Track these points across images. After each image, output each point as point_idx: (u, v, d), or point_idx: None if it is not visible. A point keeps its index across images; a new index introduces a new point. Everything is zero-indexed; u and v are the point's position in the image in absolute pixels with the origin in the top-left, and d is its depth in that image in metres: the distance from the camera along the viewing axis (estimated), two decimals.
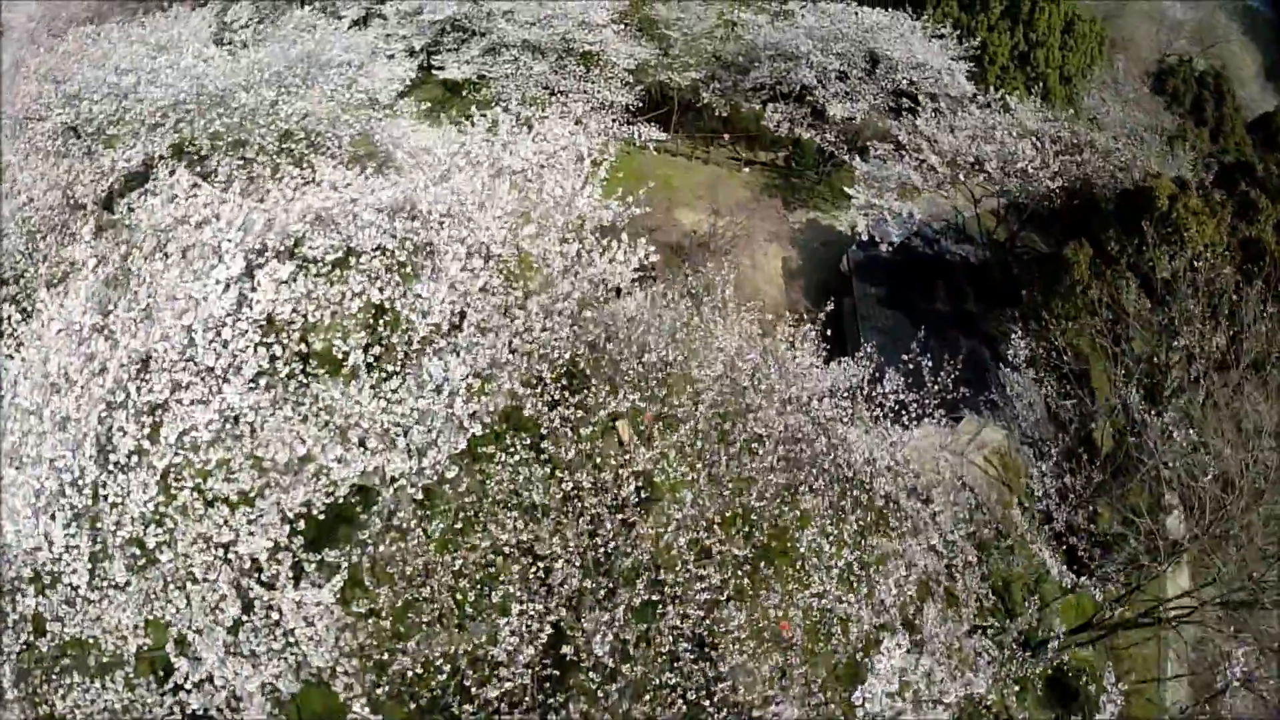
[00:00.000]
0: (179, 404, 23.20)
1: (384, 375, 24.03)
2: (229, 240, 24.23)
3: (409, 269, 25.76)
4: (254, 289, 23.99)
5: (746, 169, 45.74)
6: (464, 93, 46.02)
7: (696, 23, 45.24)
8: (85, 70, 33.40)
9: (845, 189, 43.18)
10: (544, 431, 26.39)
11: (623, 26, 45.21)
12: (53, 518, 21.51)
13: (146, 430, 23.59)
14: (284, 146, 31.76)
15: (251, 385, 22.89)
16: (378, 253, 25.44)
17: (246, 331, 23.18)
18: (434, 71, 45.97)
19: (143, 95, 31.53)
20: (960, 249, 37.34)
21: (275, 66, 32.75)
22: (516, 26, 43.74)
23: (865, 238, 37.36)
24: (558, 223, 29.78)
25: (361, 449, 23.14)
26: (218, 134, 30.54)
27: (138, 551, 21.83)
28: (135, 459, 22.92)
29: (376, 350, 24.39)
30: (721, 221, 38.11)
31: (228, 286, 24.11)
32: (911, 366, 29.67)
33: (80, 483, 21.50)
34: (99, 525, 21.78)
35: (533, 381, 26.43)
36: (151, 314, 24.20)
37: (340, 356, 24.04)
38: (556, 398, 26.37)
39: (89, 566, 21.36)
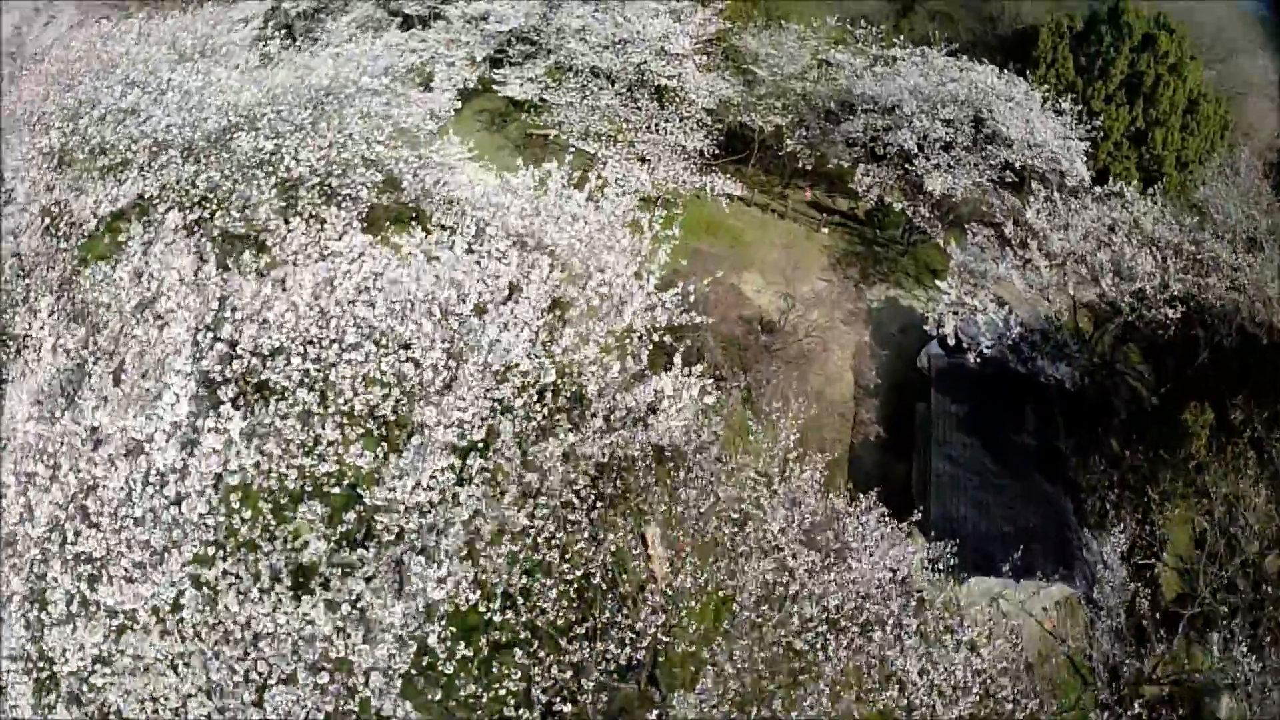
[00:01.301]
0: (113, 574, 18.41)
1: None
2: (179, 367, 18.88)
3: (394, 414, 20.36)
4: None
5: (825, 229, 39.69)
6: (524, 113, 40.20)
7: (788, 61, 39.12)
8: (90, 78, 27.95)
9: (931, 266, 37.29)
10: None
11: (705, 58, 38.92)
12: None
13: (83, 583, 18.86)
14: (290, 199, 26.15)
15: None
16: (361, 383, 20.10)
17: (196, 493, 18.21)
18: (495, 86, 39.98)
19: (145, 117, 26.08)
20: (1056, 369, 31.09)
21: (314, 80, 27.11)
22: (587, 48, 38.06)
23: (952, 341, 31.12)
24: (599, 331, 24.10)
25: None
26: (215, 182, 25.01)
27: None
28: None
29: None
30: (792, 313, 32.02)
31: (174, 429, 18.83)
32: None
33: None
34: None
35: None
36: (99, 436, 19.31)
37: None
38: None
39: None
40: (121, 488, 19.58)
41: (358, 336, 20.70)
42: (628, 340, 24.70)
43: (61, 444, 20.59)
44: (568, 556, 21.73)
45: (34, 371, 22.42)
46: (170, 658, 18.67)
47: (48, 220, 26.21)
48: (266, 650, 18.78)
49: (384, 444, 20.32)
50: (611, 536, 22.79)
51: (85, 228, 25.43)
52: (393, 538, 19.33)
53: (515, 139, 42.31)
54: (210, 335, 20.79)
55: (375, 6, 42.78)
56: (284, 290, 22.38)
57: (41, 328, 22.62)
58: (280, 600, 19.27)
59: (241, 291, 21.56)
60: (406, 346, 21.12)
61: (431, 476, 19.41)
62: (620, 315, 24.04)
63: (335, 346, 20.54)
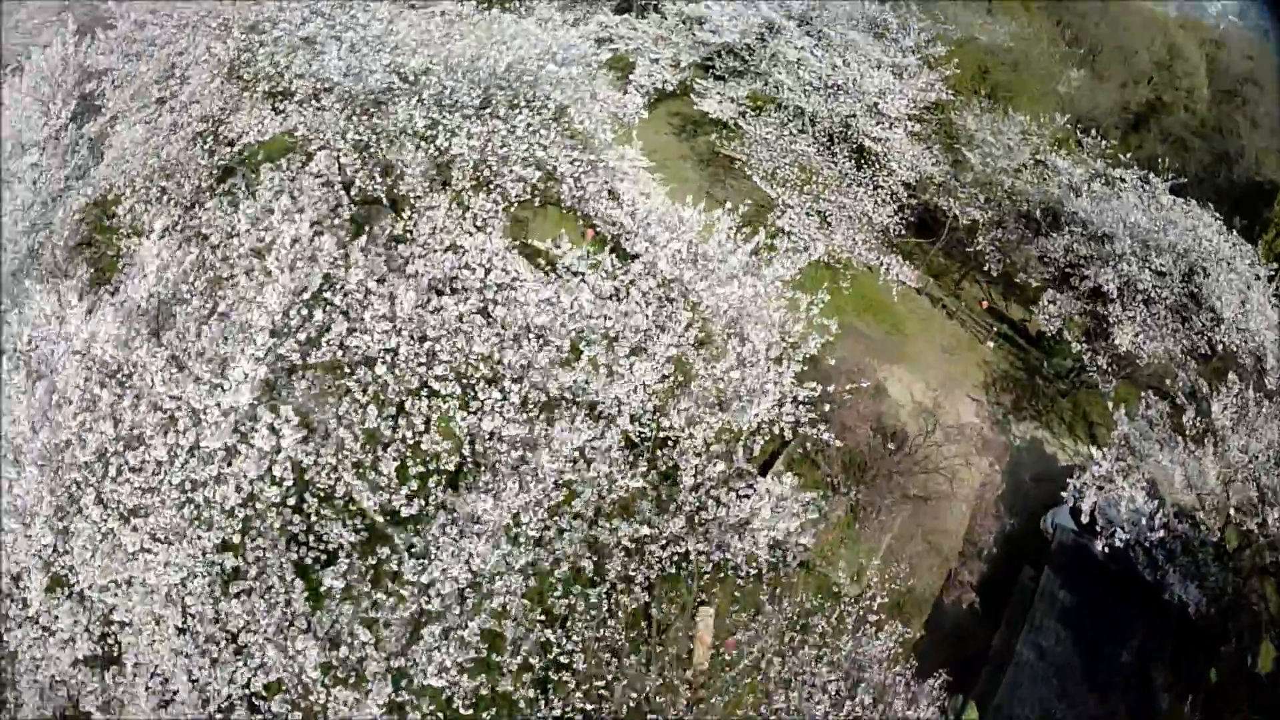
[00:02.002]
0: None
1: None
2: (255, 349, 16.68)
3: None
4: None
5: (991, 343, 35.51)
6: (717, 131, 37.15)
7: (1004, 154, 35.18)
8: None
9: (1090, 418, 33.18)
10: None
11: (918, 125, 35.15)
12: None
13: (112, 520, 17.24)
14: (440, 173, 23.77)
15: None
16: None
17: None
18: (693, 95, 36.99)
19: (318, 52, 23.97)
20: (1185, 590, 26.67)
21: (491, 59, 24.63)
22: (798, 84, 34.69)
23: (1085, 518, 26.98)
24: (714, 422, 21.16)
25: None
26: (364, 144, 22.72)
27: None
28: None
29: None
30: (929, 439, 28.37)
31: (226, 414, 16.65)
32: None
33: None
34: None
35: None
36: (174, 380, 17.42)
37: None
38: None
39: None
40: (166, 446, 17.67)
41: (448, 365, 18.16)
42: (743, 437, 21.68)
43: (133, 374, 18.83)
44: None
45: (131, 289, 20.75)
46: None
47: (203, 128, 24.55)
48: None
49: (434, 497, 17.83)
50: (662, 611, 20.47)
51: (229, 150, 23.59)
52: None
53: (700, 153, 39.48)
54: (302, 314, 18.56)
55: None
56: (400, 279, 20.11)
57: (153, 246, 20.85)
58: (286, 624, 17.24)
59: (348, 276, 19.23)
60: (494, 381, 18.50)
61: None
62: (745, 410, 20.94)
63: (422, 371, 18.07)
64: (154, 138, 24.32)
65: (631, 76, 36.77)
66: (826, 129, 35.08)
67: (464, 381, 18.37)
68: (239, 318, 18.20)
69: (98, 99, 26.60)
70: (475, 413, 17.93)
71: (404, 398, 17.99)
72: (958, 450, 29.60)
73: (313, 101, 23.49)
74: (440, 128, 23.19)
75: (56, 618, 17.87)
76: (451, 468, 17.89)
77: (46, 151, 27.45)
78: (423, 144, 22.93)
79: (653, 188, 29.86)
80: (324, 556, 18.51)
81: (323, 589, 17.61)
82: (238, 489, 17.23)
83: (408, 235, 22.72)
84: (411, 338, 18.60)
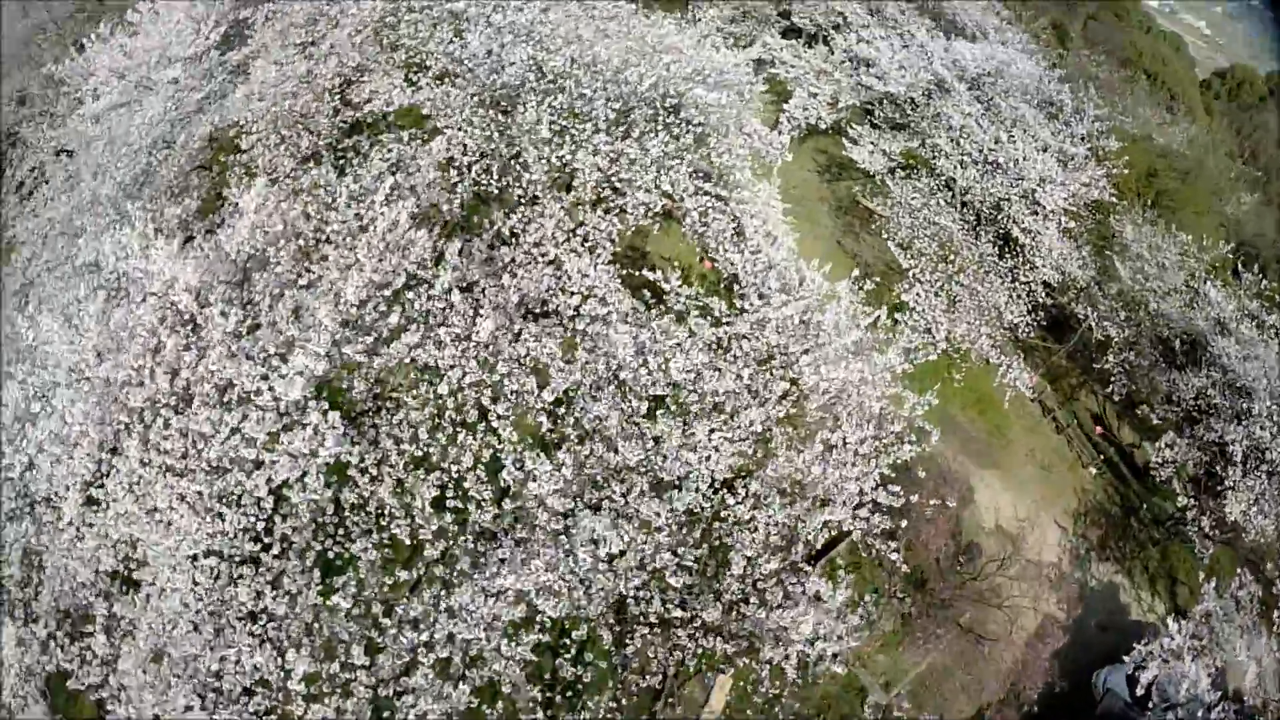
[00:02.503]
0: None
1: None
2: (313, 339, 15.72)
3: None
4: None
5: (1093, 470, 32.81)
6: (861, 181, 35.10)
7: (1156, 273, 32.12)
8: None
9: (1175, 574, 30.57)
10: None
11: (1072, 223, 32.52)
12: None
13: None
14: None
15: None
16: None
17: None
18: (844, 139, 34.93)
19: (461, 29, 22.76)
20: None
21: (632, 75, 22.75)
22: (955, 152, 32.24)
23: (1141, 690, 24.47)
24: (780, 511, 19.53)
25: None
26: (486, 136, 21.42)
27: None
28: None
29: None
30: (1000, 569, 26.14)
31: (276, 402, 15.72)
32: None
33: None
34: None
35: None
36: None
37: None
38: None
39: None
40: (210, 420, 16.78)
41: (512, 406, 16.81)
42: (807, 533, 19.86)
43: (201, 331, 18.08)
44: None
45: (224, 237, 19.94)
46: None
47: (334, 84, 23.57)
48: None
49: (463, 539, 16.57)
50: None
51: (352, 114, 22.54)
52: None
53: (840, 199, 37.35)
54: (377, 311, 17.41)
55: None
56: (487, 295, 18.81)
57: (255, 196, 19.95)
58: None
59: (436, 280, 17.99)
60: (555, 446, 17.09)
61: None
62: (814, 512, 19.13)
63: (486, 404, 16.77)
64: (286, 83, 23.44)
65: (785, 107, 34.79)
66: (975, 207, 32.62)
67: (523, 429, 16.97)
68: (313, 302, 17.11)
69: (248, 29, 25.91)
70: (527, 473, 16.49)
71: (459, 428, 16.68)
72: (1028, 589, 27.18)
73: (445, 81, 22.18)
74: (567, 137, 21.68)
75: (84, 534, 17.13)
76: (488, 518, 16.54)
77: (187, 70, 26.96)
78: (545, 150, 21.45)
79: (782, 230, 27.94)
80: (345, 556, 17.47)
81: (331, 600, 16.53)
82: (269, 480, 16.22)
83: (512, 239, 21.43)
84: (482, 365, 17.26)
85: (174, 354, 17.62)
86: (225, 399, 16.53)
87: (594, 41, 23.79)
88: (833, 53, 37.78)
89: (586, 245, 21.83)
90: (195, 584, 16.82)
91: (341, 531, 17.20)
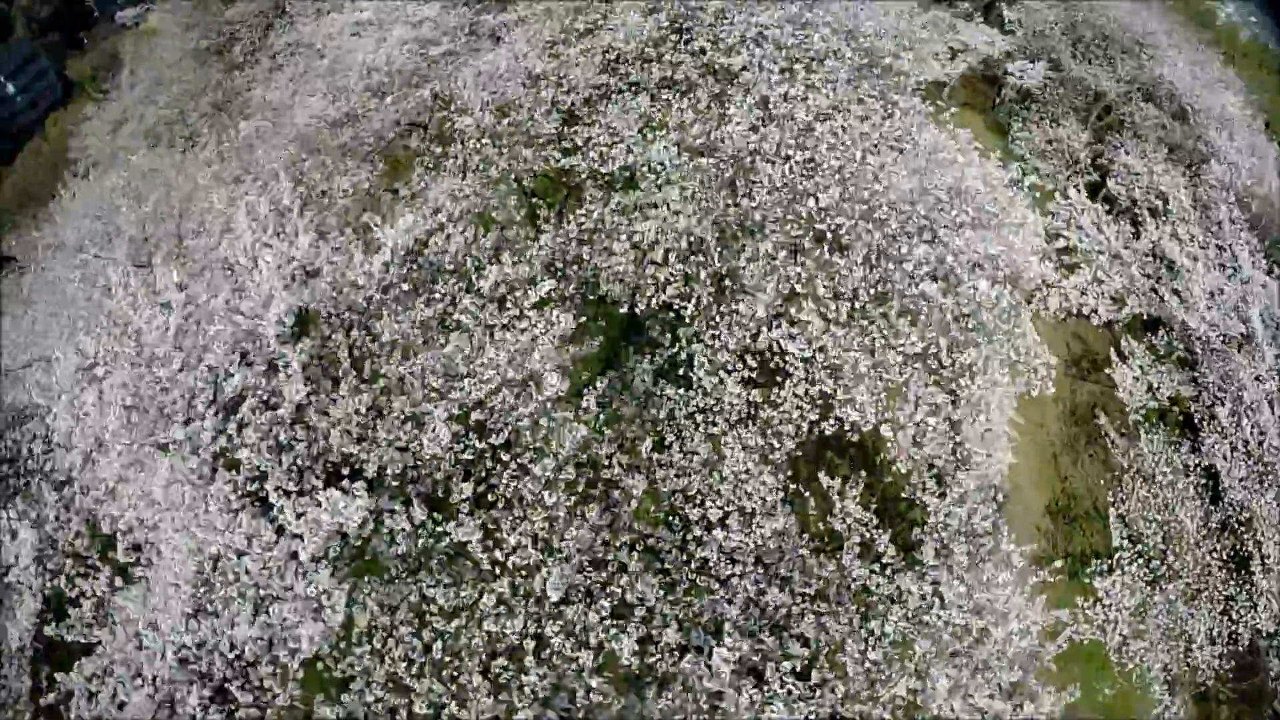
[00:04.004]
0: None
1: None
2: None
3: None
4: None
5: None
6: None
7: None
8: None
9: None
10: None
11: None
12: None
13: None
14: None
15: None
16: None
17: None
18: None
19: None
20: None
21: None
22: (1234, 432, 25.25)
23: None
24: None
25: None
26: None
27: None
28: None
29: None
30: None
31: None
32: None
33: None
34: None
35: None
36: None
37: None
38: None
39: None
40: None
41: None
42: None
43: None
44: None
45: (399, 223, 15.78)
46: None
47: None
48: None
49: None
50: None
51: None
52: None
53: (1077, 405, 30.67)
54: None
55: None
56: None
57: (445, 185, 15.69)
58: None
59: None
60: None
61: None
62: None
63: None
64: (532, 53, 19.00)
65: (1065, 283, 28.24)
66: (1227, 511, 25.39)
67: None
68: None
69: None
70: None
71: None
72: None
73: None
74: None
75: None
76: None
77: (443, 12, 22.86)
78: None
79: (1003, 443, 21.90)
80: None
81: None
82: None
83: None
84: None
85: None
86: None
87: (876, 176, 18.20)
88: (1138, 238, 30.56)
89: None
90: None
91: None
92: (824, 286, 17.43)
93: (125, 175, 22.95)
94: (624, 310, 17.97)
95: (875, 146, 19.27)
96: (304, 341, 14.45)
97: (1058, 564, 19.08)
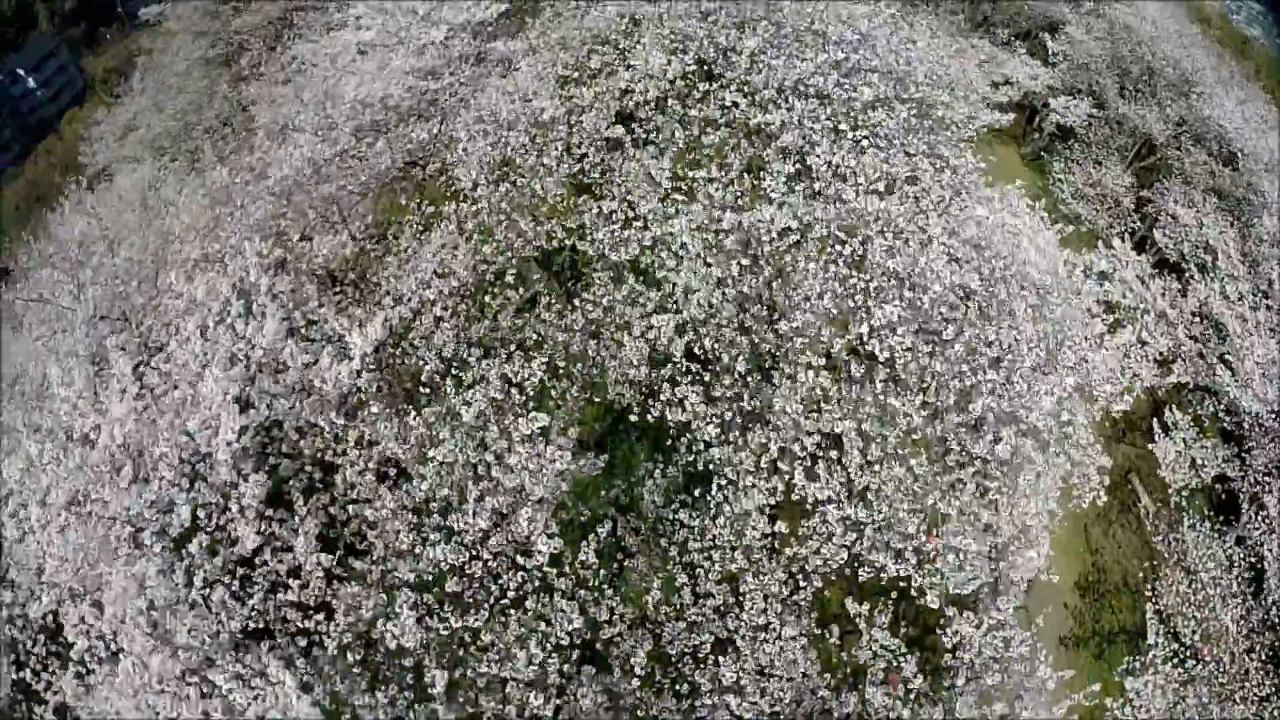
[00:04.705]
0: None
1: None
2: None
3: None
4: None
5: None
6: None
7: None
8: None
9: None
10: None
11: None
12: None
13: None
14: None
15: None
16: None
17: None
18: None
19: None
20: None
21: None
22: None
23: None
24: None
25: None
26: None
27: None
28: None
29: None
30: None
31: None
32: None
33: None
34: None
35: None
36: None
37: None
38: None
39: None
40: None
41: None
42: None
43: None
44: None
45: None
46: None
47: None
48: None
49: None
50: None
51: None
52: None
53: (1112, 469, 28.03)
54: None
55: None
56: None
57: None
58: None
59: None
60: None
61: None
62: None
63: None
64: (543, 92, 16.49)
65: (1107, 341, 25.65)
66: (1268, 604, 22.74)
67: None
68: None
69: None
70: None
71: None
72: None
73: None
74: None
75: None
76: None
77: (451, 39, 20.40)
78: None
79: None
80: None
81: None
82: None
83: None
84: None
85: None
86: None
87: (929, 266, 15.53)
88: (1184, 295, 27.80)
89: None
90: None
91: None
92: (869, 419, 14.68)
93: (105, 213, 20.87)
94: (635, 417, 15.32)
95: (925, 228, 16.38)
96: (257, 477, 12.24)
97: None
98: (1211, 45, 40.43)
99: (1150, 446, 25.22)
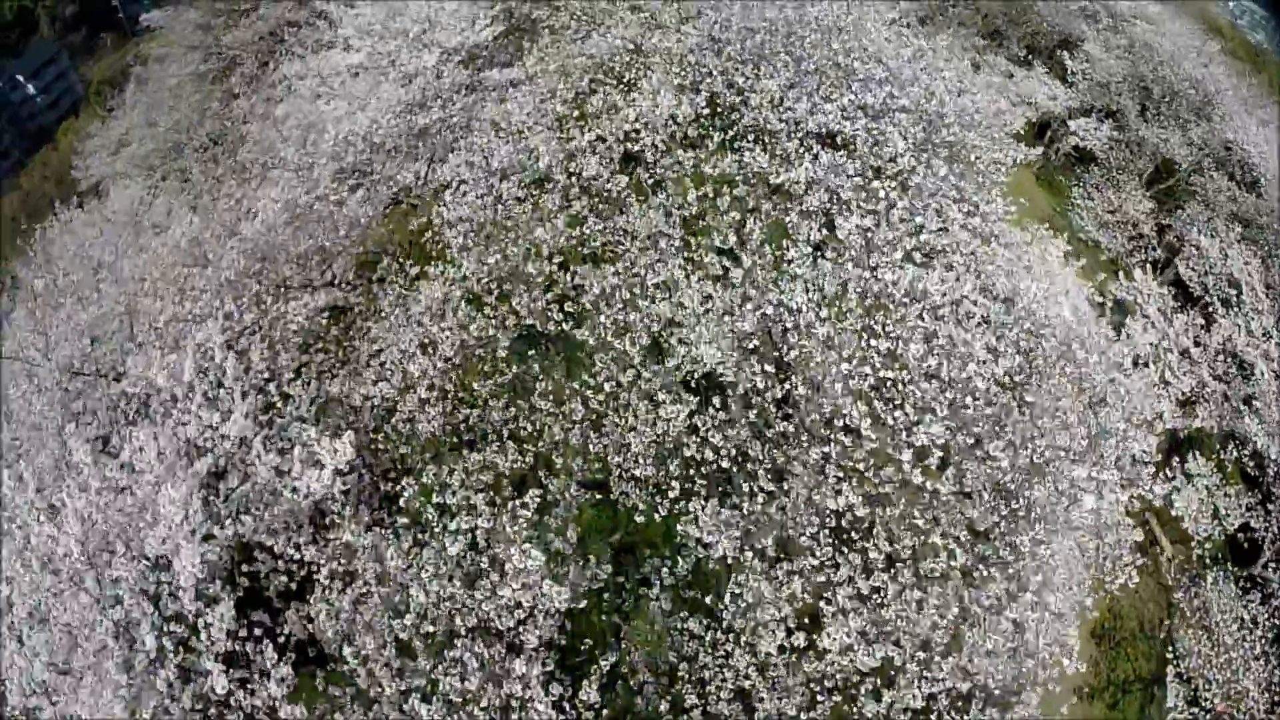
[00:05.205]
0: None
1: None
2: None
3: None
4: None
5: None
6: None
7: None
8: None
9: None
10: None
11: None
12: None
13: None
14: None
15: None
16: None
17: None
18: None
19: None
20: None
21: None
22: None
23: None
24: None
25: None
26: None
27: None
28: None
29: None
30: None
31: None
32: None
33: None
34: None
35: None
36: None
37: None
38: None
39: None
40: None
41: None
42: None
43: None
44: None
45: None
46: None
47: None
48: None
49: None
50: None
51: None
52: None
53: None
54: None
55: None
56: None
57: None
58: None
59: None
60: None
61: None
62: None
63: None
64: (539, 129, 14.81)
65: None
66: None
67: None
68: None
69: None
70: None
71: None
72: None
73: None
74: None
75: None
76: None
77: (443, 64, 18.82)
78: None
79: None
80: None
81: None
82: None
83: None
84: None
85: None
86: None
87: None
88: (1208, 330, 26.14)
89: None
90: None
91: None
92: (900, 536, 12.91)
93: (91, 236, 19.40)
94: (641, 518, 13.75)
95: (959, 306, 14.44)
96: (225, 606, 10.74)
97: None
98: (1231, 62, 38.62)
99: (1173, 497, 23.68)
